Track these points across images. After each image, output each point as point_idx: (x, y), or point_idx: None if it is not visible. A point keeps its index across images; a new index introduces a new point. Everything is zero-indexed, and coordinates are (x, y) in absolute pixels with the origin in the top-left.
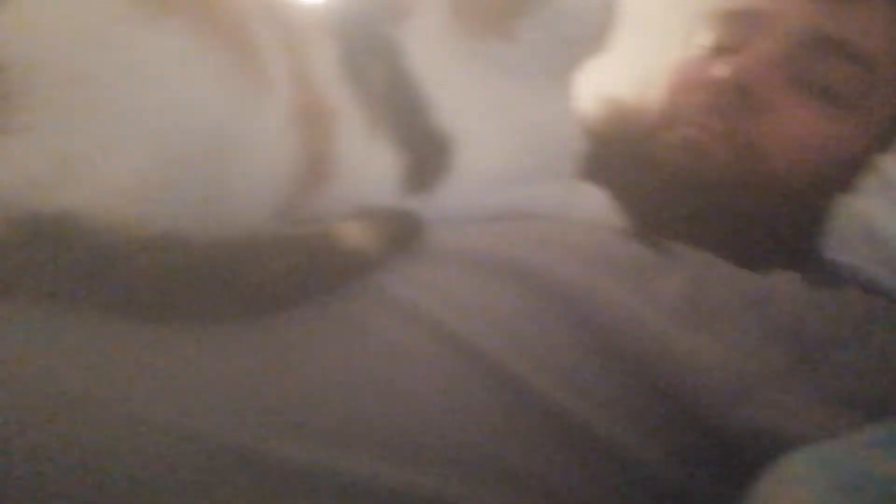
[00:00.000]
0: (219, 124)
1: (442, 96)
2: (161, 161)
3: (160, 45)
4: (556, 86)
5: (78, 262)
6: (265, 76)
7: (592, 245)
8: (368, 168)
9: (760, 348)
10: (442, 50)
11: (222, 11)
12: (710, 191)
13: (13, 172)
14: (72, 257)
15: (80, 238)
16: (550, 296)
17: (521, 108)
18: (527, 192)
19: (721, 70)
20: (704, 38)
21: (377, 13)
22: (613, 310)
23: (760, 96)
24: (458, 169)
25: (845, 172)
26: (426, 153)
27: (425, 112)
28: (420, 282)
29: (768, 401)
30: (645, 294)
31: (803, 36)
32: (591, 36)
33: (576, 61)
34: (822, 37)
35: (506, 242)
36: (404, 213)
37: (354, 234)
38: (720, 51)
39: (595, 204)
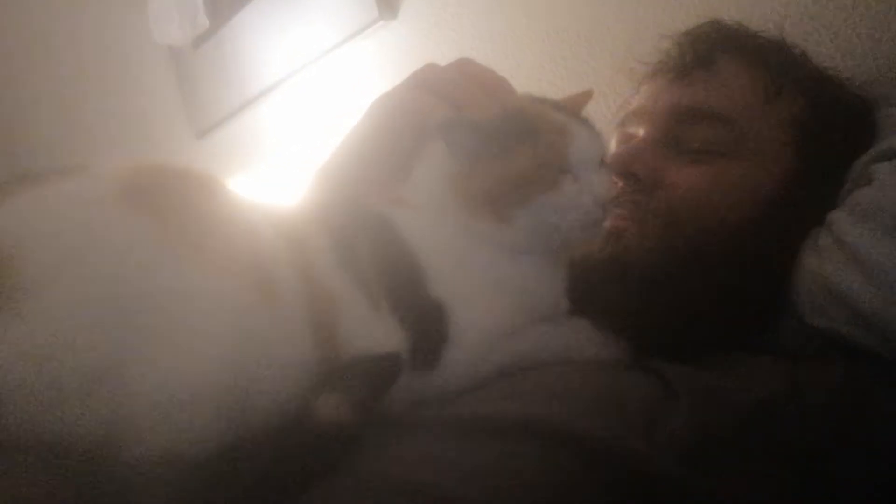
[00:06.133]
0: (245, 345)
1: (433, 266)
2: (195, 385)
3: (193, 281)
4: (545, 258)
5: None
6: (279, 291)
7: (599, 390)
8: (377, 347)
9: (767, 475)
10: (435, 225)
11: (239, 244)
12: (643, 264)
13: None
14: None
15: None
16: (567, 451)
17: (511, 274)
18: (525, 343)
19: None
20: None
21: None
22: (630, 460)
23: (647, 173)
24: (455, 335)
25: (779, 218)
26: (424, 324)
27: (419, 283)
28: (434, 458)
29: None
30: (656, 437)
31: (668, 114)
32: (582, 229)
33: (565, 246)
34: (680, 109)
35: (515, 401)
36: (379, 359)
37: (330, 407)
38: None
39: (588, 339)
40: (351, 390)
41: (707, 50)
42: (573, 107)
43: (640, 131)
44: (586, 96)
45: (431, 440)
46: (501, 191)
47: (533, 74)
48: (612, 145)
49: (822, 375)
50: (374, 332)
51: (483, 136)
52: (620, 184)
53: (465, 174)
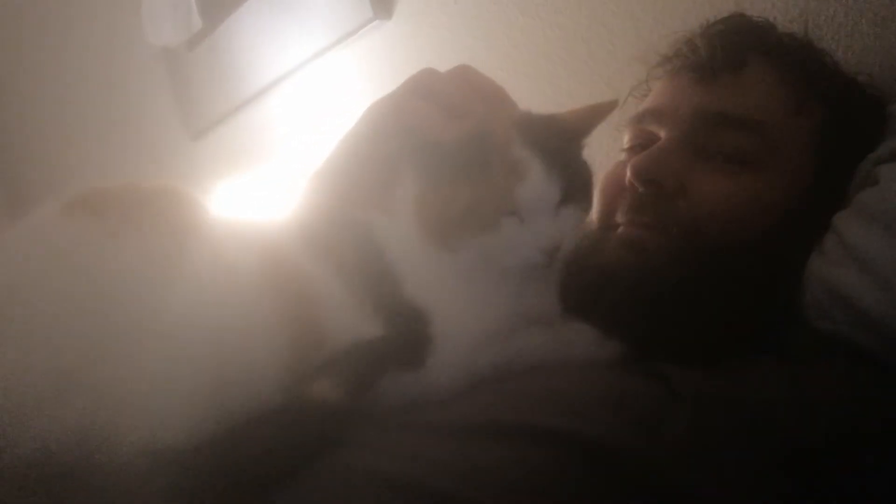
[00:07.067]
0: (213, 331)
1: (410, 272)
2: (170, 372)
3: (146, 272)
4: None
5: None
6: (240, 281)
7: (602, 392)
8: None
9: (769, 478)
10: (410, 235)
11: (196, 239)
12: (665, 279)
13: None
14: None
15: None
16: (568, 454)
17: (493, 282)
18: (517, 345)
19: (629, 170)
20: (624, 142)
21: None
22: (633, 463)
23: (672, 181)
24: (439, 337)
25: (797, 227)
26: (405, 325)
27: (396, 286)
28: (428, 457)
29: None
30: (656, 437)
31: (694, 118)
32: (522, 272)
33: (512, 279)
34: (709, 114)
35: (515, 404)
36: (369, 343)
37: (325, 390)
38: (636, 150)
39: (582, 339)
40: (345, 374)
41: (737, 51)
42: (592, 117)
43: (661, 132)
44: (610, 106)
45: (426, 440)
46: (447, 221)
47: (529, 74)
48: (626, 141)
49: (825, 379)
50: (359, 327)
51: (442, 161)
52: (642, 190)
53: (424, 197)
